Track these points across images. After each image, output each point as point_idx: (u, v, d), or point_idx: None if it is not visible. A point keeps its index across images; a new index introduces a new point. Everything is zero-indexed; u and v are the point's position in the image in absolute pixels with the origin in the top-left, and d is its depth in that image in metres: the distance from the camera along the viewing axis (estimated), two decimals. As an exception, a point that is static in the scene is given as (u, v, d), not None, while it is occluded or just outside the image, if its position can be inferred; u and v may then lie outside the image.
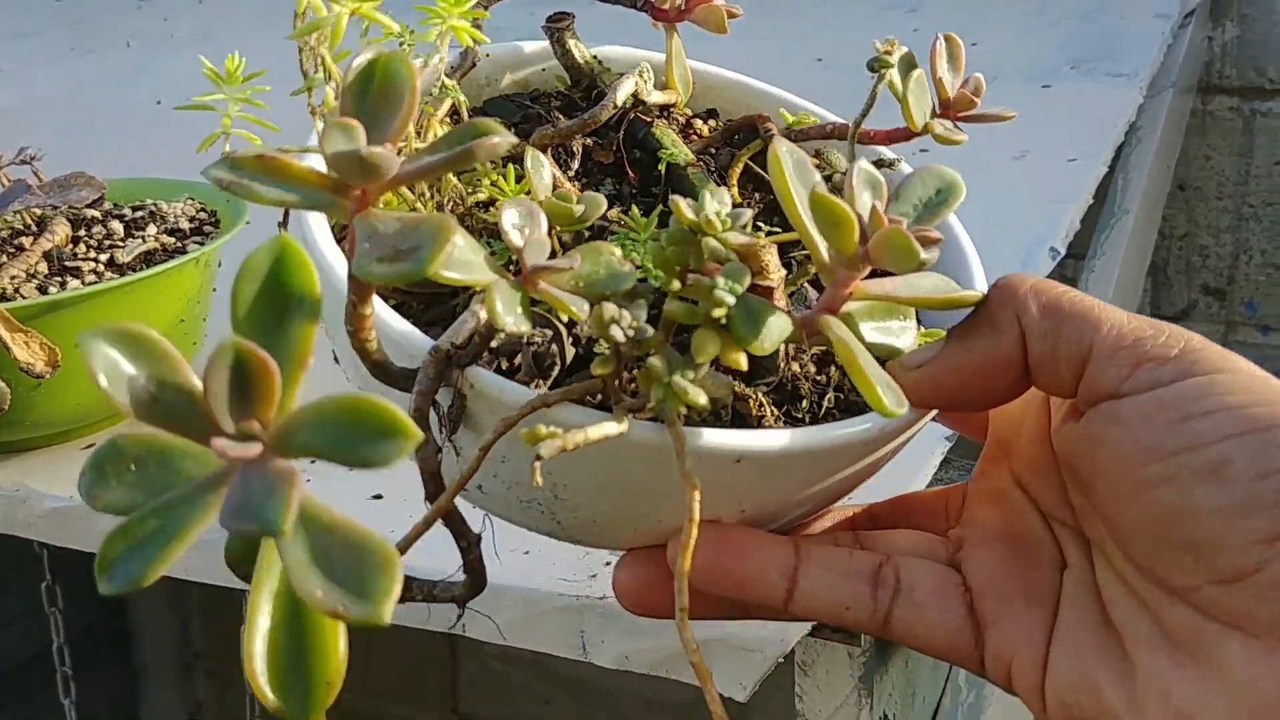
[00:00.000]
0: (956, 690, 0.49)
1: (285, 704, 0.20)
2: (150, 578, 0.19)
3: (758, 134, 0.36)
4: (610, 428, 0.26)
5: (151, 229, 0.51)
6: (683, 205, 0.27)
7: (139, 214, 0.52)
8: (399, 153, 0.24)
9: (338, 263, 0.30)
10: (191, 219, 0.52)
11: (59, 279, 0.48)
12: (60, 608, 0.92)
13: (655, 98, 0.35)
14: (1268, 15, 1.06)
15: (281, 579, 0.21)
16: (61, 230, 0.49)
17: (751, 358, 0.27)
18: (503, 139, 0.23)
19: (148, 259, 0.49)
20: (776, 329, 0.26)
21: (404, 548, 0.26)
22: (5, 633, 1.54)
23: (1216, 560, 0.26)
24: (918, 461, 0.46)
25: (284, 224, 0.31)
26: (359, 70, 0.24)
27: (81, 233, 0.50)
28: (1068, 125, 0.75)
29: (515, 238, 0.26)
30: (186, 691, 1.76)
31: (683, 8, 0.35)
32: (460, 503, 0.28)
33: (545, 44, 0.37)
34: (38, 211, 0.50)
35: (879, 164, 0.36)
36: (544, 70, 0.37)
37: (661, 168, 0.34)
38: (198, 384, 0.20)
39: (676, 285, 0.27)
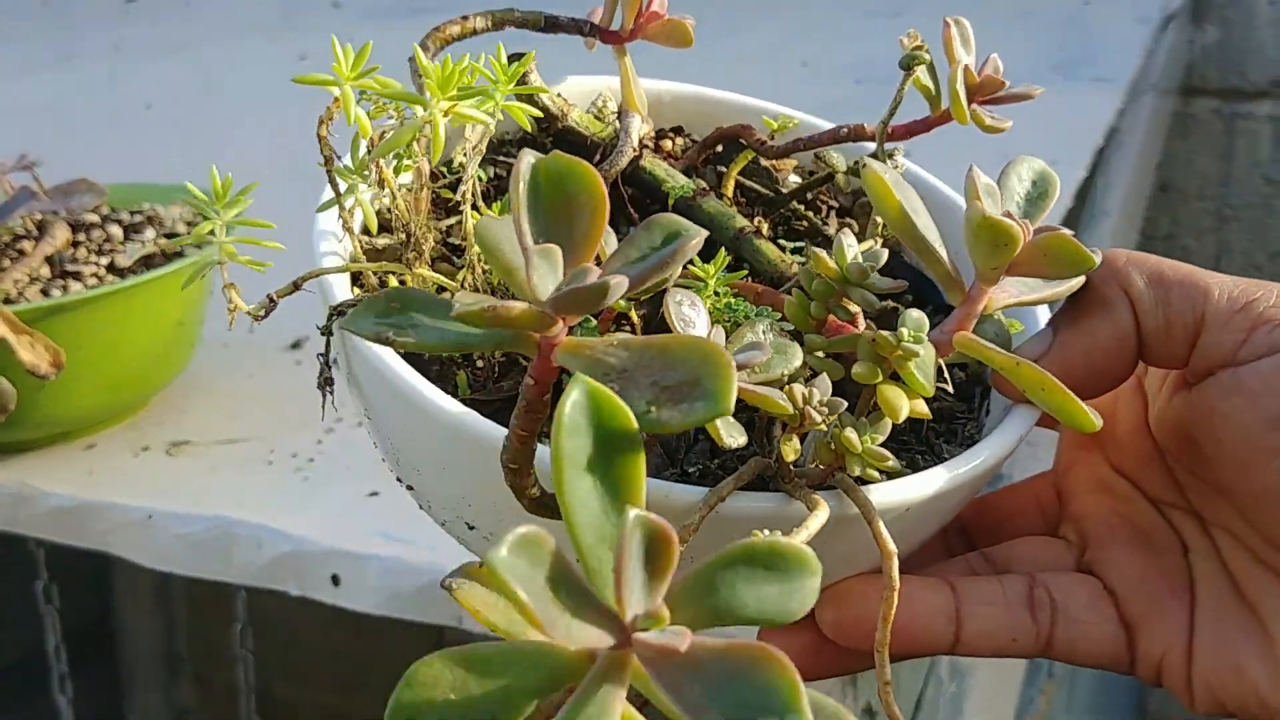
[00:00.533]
0: (939, 682, 0.50)
1: None
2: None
3: (739, 146, 0.35)
4: (823, 516, 0.25)
5: (150, 232, 0.52)
6: (824, 256, 0.26)
7: (137, 218, 0.53)
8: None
9: (421, 384, 0.26)
10: (188, 222, 0.53)
11: (61, 282, 0.49)
12: (57, 606, 0.93)
13: (642, 130, 0.35)
14: (1248, 19, 1.08)
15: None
16: (62, 234, 0.50)
17: None
18: (698, 233, 0.21)
19: (147, 262, 0.50)
20: (932, 367, 0.25)
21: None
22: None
23: None
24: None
25: (327, 331, 0.28)
26: (528, 178, 0.22)
27: (81, 237, 0.51)
28: (1050, 129, 0.76)
29: (700, 331, 0.25)
30: (173, 696, 1.77)
31: (633, 29, 0.32)
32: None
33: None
34: (38, 216, 0.51)
35: (876, 158, 0.35)
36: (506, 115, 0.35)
37: (671, 200, 0.33)
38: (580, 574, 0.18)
39: (821, 340, 0.26)
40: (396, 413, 0.26)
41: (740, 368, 0.22)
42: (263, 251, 0.28)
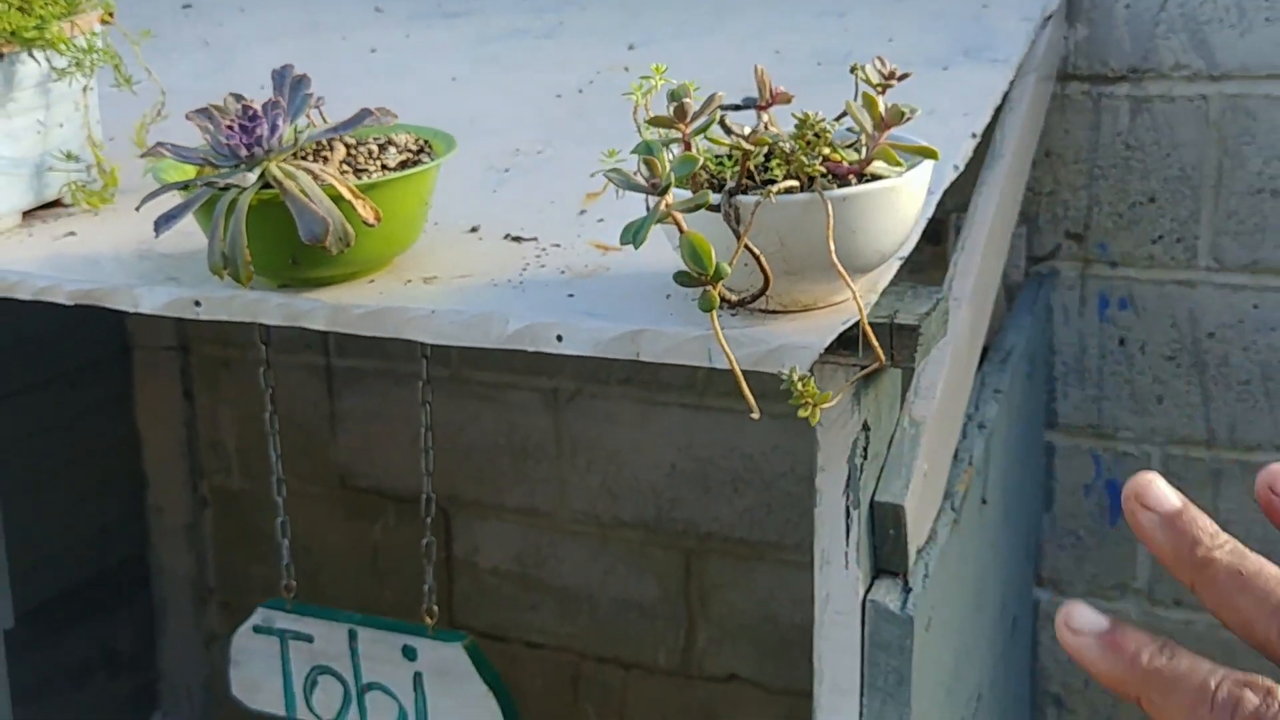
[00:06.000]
0: (907, 421, 0.84)
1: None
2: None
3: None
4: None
5: (392, 150, 0.83)
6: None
7: (380, 141, 0.84)
8: None
9: None
10: (415, 144, 0.85)
11: (352, 175, 0.80)
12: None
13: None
14: (1108, 20, 1.45)
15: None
16: (341, 148, 0.81)
17: None
18: None
19: (402, 165, 0.82)
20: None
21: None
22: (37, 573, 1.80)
23: None
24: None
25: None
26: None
27: (356, 150, 0.82)
28: (960, 94, 1.11)
29: None
30: (202, 624, 2.03)
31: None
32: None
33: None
34: (316, 140, 0.82)
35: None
36: None
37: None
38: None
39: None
40: None
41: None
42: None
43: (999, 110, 1.16)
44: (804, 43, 1.29)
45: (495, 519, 1.85)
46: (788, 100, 0.74)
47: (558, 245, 0.85)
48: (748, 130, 0.69)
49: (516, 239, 0.86)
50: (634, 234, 0.61)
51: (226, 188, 0.71)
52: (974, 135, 0.99)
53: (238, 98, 0.76)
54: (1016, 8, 1.32)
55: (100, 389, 1.86)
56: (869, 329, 0.68)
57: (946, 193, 0.93)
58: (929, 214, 0.86)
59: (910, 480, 0.82)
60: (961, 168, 0.95)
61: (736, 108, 0.76)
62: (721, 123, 0.72)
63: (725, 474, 1.72)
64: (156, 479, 1.93)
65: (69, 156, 0.96)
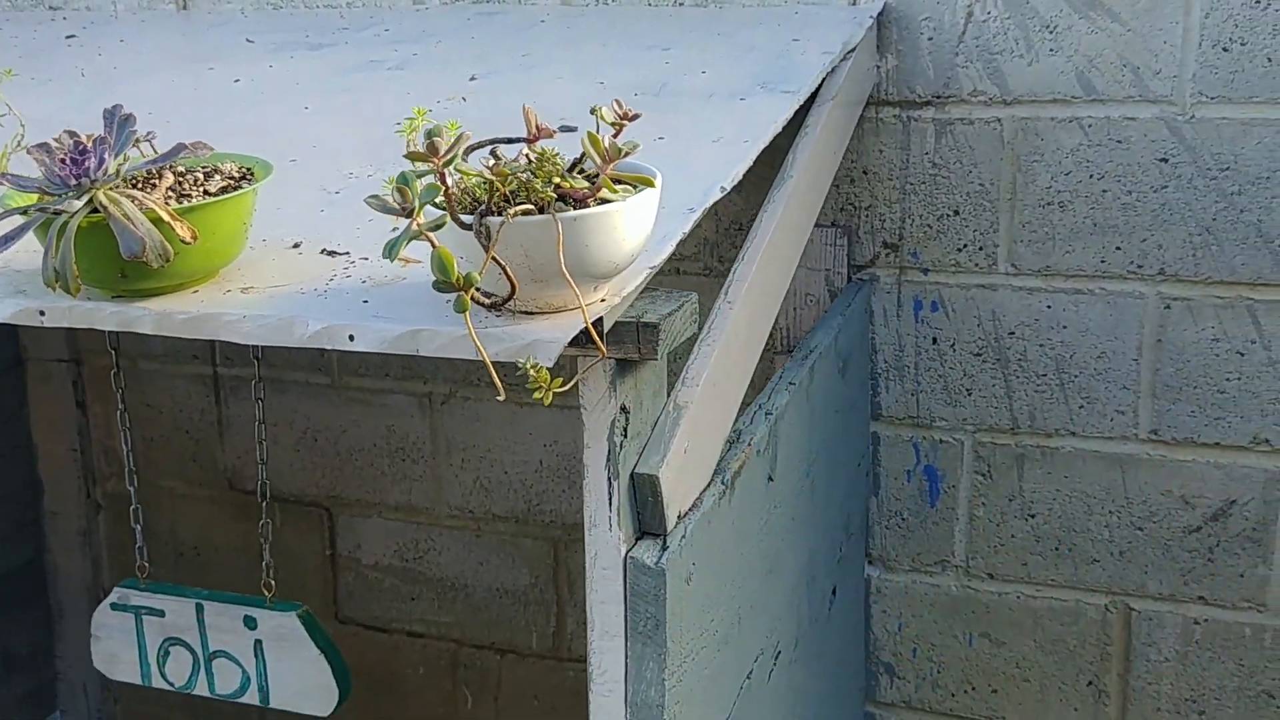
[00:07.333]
0: (672, 406, 0.99)
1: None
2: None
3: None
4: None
5: (217, 177, 0.97)
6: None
7: (205, 168, 0.97)
8: None
9: None
10: (239, 172, 0.98)
11: (177, 200, 0.92)
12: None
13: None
14: (914, 50, 1.62)
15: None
16: (170, 176, 0.94)
17: None
18: None
19: (223, 190, 0.95)
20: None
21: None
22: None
23: None
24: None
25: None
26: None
27: (180, 179, 0.95)
28: (748, 122, 1.27)
29: None
30: (98, 623, 2.12)
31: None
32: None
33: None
34: (145, 170, 0.95)
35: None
36: None
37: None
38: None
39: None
40: None
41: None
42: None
43: (797, 132, 1.31)
44: (628, 75, 1.43)
45: (376, 516, 1.98)
46: (550, 135, 0.88)
47: (365, 259, 0.99)
48: (519, 161, 0.83)
49: (331, 253, 1.00)
50: (390, 249, 0.75)
51: (58, 213, 0.84)
52: (750, 161, 1.14)
53: (71, 134, 0.88)
54: (821, 42, 1.48)
55: (-6, 400, 1.96)
56: (593, 329, 0.83)
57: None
58: (685, 228, 1.01)
59: (668, 455, 0.96)
60: (729, 188, 1.10)
61: (510, 140, 0.90)
62: (493, 153, 0.86)
63: (587, 469, 1.87)
64: (51, 485, 2.03)
65: (-68, 185, 1.07)
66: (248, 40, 1.67)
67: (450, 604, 2.00)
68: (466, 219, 0.79)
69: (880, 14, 1.57)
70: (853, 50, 1.51)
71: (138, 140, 0.92)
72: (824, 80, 1.42)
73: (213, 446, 2.02)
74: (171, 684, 1.20)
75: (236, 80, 1.52)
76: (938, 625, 1.76)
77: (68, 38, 1.78)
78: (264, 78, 1.52)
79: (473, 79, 1.47)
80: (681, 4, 1.66)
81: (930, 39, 1.60)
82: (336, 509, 2.02)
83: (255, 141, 0.98)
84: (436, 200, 0.77)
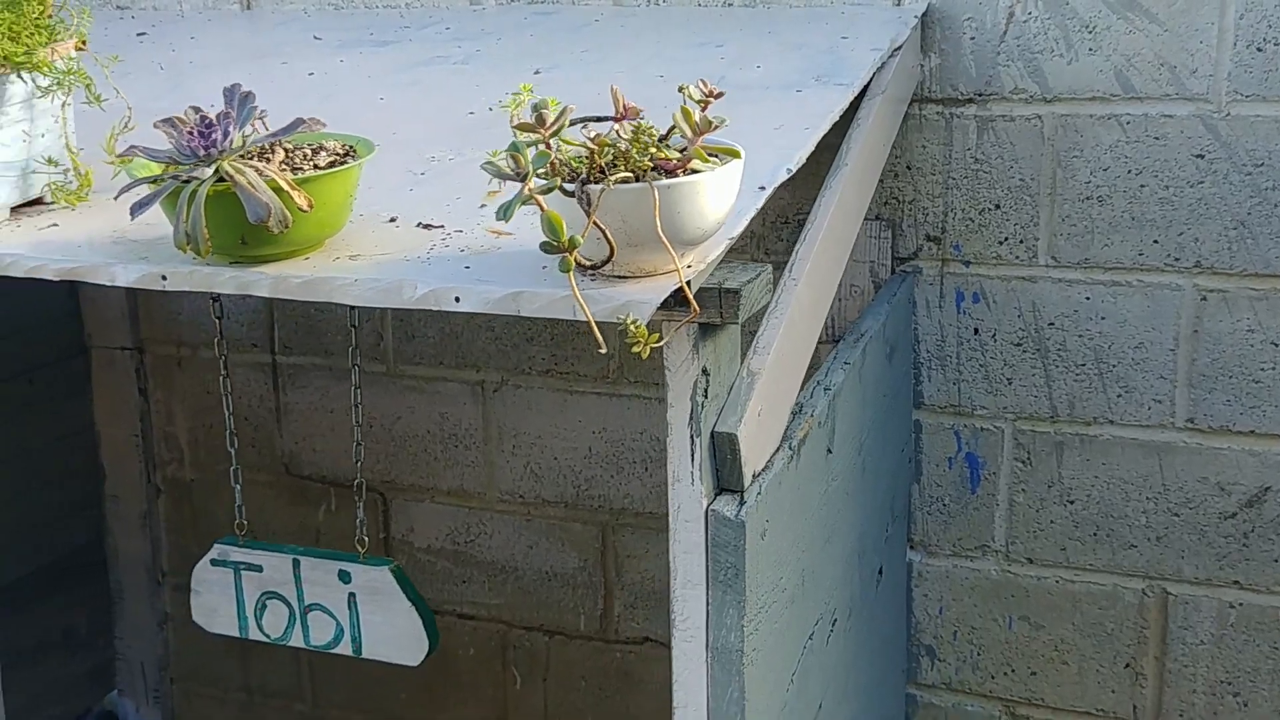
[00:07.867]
0: (746, 372, 1.05)
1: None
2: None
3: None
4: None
5: (324, 153, 1.03)
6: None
7: (312, 145, 1.04)
8: None
9: None
10: (342, 149, 1.04)
11: (293, 171, 0.99)
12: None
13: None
14: (956, 49, 1.68)
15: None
16: (281, 151, 1.01)
17: None
18: None
19: (330, 164, 1.01)
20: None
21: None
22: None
23: None
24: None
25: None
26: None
27: (290, 154, 1.02)
28: (806, 112, 1.33)
29: None
30: (156, 605, 2.19)
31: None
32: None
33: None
34: (261, 144, 1.02)
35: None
36: None
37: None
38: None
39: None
40: None
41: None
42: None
43: (848, 126, 1.38)
44: (686, 69, 1.50)
45: (429, 501, 2.04)
46: (637, 114, 0.95)
47: (460, 231, 1.06)
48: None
49: (427, 226, 1.07)
50: (504, 210, 0.81)
51: (189, 180, 0.90)
52: (813, 146, 1.20)
53: (196, 110, 0.95)
54: (869, 39, 1.54)
55: (59, 386, 2.03)
56: (687, 289, 0.89)
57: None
58: (759, 204, 1.07)
59: (744, 416, 1.02)
60: (794, 170, 1.17)
61: (600, 119, 0.96)
62: (584, 130, 0.93)
63: (636, 454, 1.92)
64: (113, 469, 2.10)
65: (50, 162, 1.15)
66: (315, 37, 1.74)
67: (500, 587, 2.06)
68: (569, 187, 0.85)
69: (924, 14, 1.64)
70: (899, 47, 1.57)
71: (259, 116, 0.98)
72: (874, 75, 1.49)
73: (271, 433, 2.09)
74: (268, 636, 1.26)
75: (311, 73, 1.59)
76: (978, 609, 1.80)
77: (138, 35, 1.86)
78: (336, 71, 1.59)
79: (537, 72, 1.54)
80: (730, 4, 1.73)
81: (973, 38, 1.67)
82: (390, 494, 2.08)
83: (336, 129, 1.05)
84: (541, 170, 0.83)
